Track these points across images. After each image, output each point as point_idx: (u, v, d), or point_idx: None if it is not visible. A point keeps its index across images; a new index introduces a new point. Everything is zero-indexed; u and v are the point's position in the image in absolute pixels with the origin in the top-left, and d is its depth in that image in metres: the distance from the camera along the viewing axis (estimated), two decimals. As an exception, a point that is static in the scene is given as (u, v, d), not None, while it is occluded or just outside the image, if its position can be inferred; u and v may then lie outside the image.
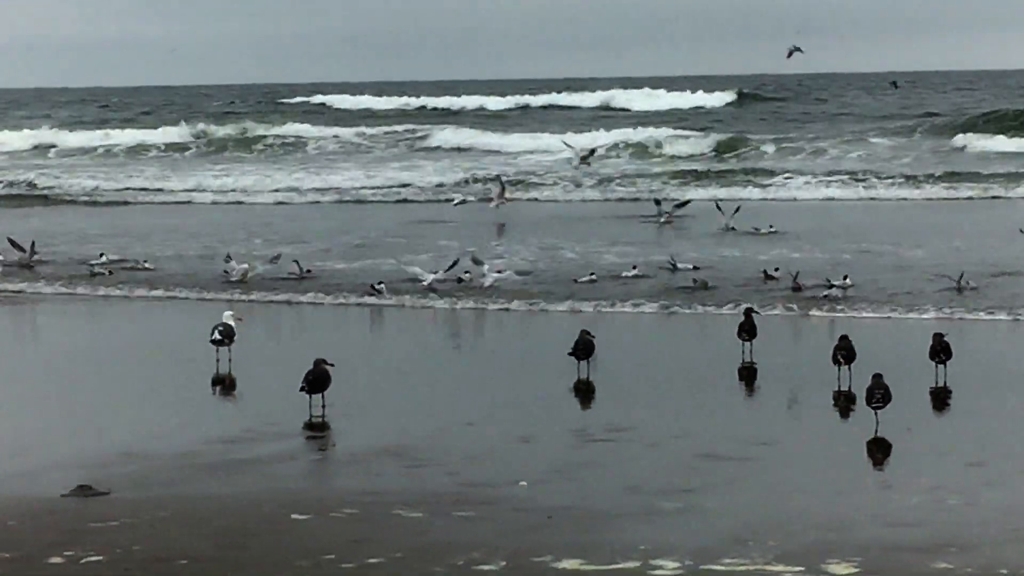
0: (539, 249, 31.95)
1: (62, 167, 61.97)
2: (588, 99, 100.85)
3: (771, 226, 34.40)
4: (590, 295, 25.14)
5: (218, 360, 19.25)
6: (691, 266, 27.74)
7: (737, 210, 35.59)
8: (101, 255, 30.36)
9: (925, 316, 22.52)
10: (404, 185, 51.34)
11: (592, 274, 26.74)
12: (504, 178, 43.58)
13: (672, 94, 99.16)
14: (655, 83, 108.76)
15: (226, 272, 27.78)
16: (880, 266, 27.94)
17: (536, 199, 46.91)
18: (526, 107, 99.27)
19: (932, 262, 28.13)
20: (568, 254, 30.99)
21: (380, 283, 25.98)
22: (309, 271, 28.11)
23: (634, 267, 27.61)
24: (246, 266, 27.79)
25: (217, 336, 19.26)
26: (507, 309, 24.28)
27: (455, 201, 40.92)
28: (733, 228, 34.81)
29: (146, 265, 29.66)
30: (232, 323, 19.44)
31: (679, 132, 67.06)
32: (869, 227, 35.49)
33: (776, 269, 26.32)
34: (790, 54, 30.06)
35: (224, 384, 18.67)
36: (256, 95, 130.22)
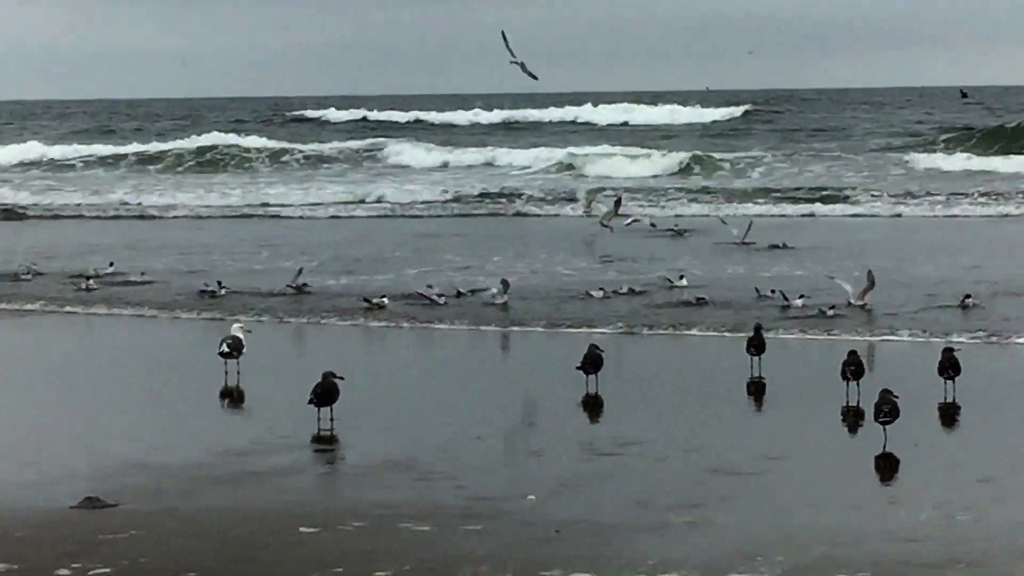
0: (538, 265, 31.85)
1: (57, 180, 62.15)
2: (581, 113, 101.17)
3: (784, 243, 34.32)
4: (594, 311, 25.09)
5: (226, 372, 19.25)
6: (685, 283, 27.53)
7: (750, 225, 35.61)
8: (95, 269, 30.46)
9: (933, 336, 22.20)
10: (379, 201, 51.36)
11: (601, 289, 26.73)
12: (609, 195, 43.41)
13: (662, 108, 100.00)
14: (669, 97, 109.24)
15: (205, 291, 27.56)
16: (888, 283, 27.71)
17: (521, 213, 47.13)
18: (524, 121, 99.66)
19: (936, 279, 28.05)
20: (565, 271, 30.82)
21: (383, 296, 25.92)
22: (305, 285, 27.96)
23: (631, 288, 27.39)
24: (222, 290, 27.51)
25: (225, 348, 19.24)
26: (514, 325, 24.15)
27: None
28: (747, 243, 34.77)
29: (144, 278, 29.70)
30: (241, 335, 19.44)
31: (628, 150, 66.90)
32: (864, 245, 35.42)
33: (772, 291, 25.94)
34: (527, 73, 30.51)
35: (232, 396, 18.67)
36: (256, 107, 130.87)
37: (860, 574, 11.10)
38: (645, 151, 65.08)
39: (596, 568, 11.28)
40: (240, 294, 27.65)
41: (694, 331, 23.18)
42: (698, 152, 62.91)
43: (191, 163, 68.77)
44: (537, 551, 11.77)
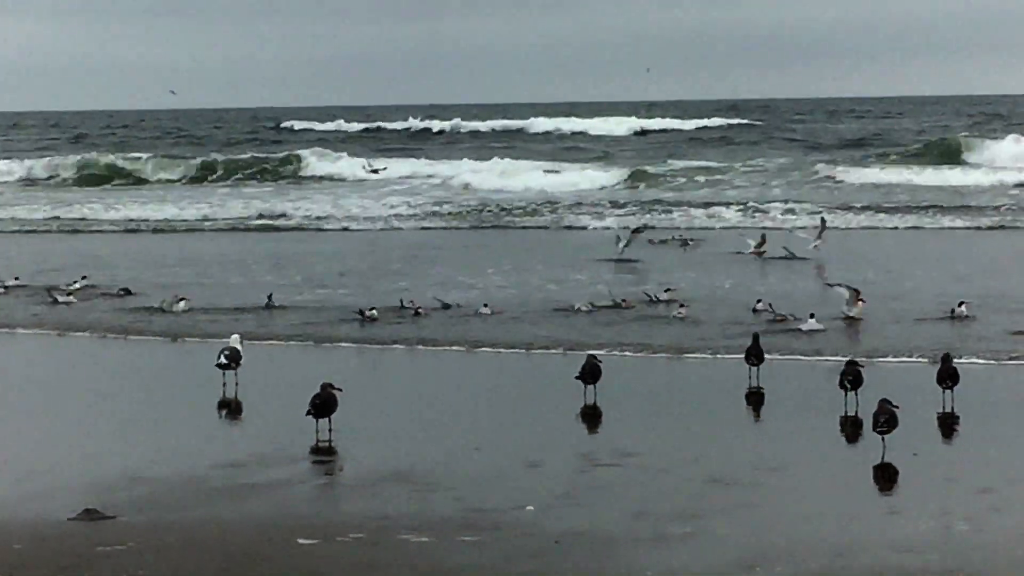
0: (520, 279, 31.57)
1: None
2: (558, 124, 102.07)
3: (792, 253, 34.12)
4: (585, 324, 24.99)
5: (224, 384, 19.24)
6: (667, 297, 27.30)
7: (790, 253, 34.43)
8: (74, 282, 30.33)
9: (918, 354, 21.63)
10: (354, 215, 50.77)
11: (591, 302, 26.63)
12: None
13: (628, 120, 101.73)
14: (674, 106, 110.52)
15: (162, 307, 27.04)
16: (878, 295, 27.45)
17: (510, 226, 46.99)
18: (517, 131, 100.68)
19: (930, 292, 27.92)
20: (551, 285, 30.43)
21: (372, 308, 25.83)
22: (270, 298, 27.64)
23: (624, 300, 27.25)
24: (183, 302, 27.10)
25: (223, 360, 19.23)
26: (506, 342, 23.77)
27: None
28: (740, 252, 34.84)
29: (125, 290, 29.58)
30: (239, 347, 19.43)
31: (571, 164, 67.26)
32: (865, 255, 35.39)
33: (759, 301, 25.83)
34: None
35: (230, 408, 18.66)
36: (237, 120, 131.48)
37: (859, 585, 11.11)
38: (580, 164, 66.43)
39: (595, 579, 11.27)
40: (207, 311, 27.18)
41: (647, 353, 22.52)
42: (640, 167, 63.27)
43: (182, 175, 68.93)
44: (536, 563, 11.77)
